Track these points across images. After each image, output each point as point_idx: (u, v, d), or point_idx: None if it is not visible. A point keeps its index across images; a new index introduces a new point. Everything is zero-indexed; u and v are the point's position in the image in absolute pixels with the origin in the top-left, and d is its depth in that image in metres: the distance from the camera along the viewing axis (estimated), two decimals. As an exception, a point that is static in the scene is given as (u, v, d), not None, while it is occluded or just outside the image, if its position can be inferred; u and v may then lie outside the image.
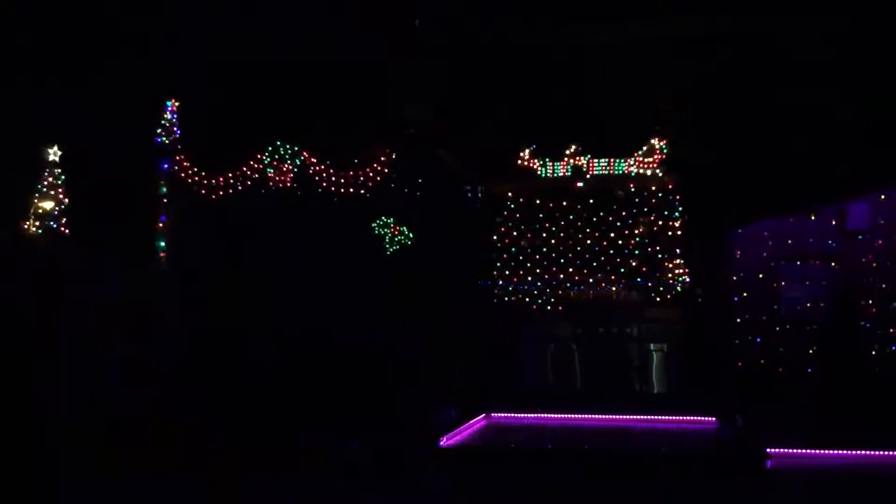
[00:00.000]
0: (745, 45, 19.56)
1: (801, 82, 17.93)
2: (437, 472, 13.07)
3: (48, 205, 14.73)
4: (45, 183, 14.85)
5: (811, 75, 18.00)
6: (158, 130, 16.48)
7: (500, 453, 13.95)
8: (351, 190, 16.30)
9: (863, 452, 13.01)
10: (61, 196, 14.86)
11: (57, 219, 14.73)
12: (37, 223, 14.64)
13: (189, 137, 16.84)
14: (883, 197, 15.47)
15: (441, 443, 14.09)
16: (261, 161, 16.32)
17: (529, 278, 18.22)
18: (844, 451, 12.99)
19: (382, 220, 16.77)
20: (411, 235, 16.54)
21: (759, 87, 18.32)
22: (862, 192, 15.40)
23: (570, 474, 12.65)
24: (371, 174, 16.18)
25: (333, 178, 16.41)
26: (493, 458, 13.70)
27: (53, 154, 14.99)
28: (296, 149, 16.32)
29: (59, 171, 14.95)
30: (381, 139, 16.80)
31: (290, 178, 16.26)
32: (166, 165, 16.42)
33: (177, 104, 16.71)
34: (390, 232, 16.98)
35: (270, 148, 16.30)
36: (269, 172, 16.20)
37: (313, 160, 16.31)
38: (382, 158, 16.12)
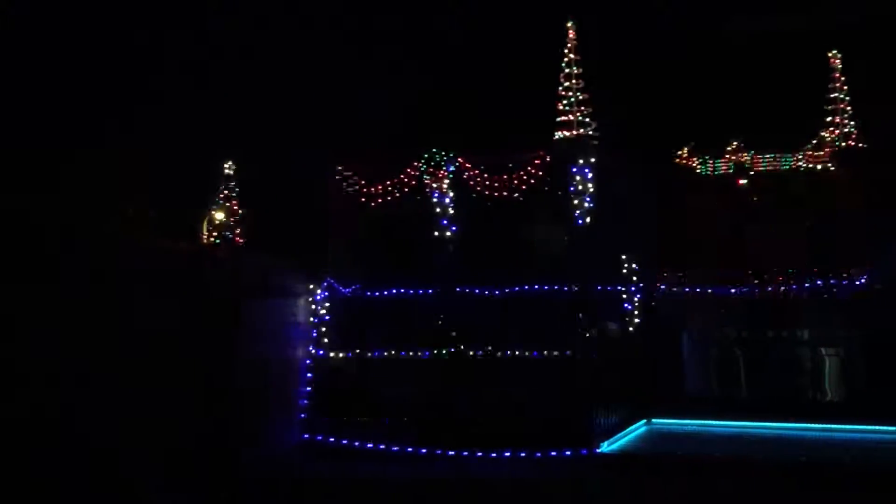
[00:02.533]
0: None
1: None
2: (599, 476, 12.92)
3: (221, 216, 15.62)
4: (221, 195, 15.79)
5: None
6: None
7: (663, 461, 13.60)
8: (505, 194, 16.35)
9: None
10: (235, 207, 15.76)
11: (232, 229, 15.63)
12: (213, 234, 15.58)
13: (351, 149, 17.43)
14: None
15: (602, 448, 13.91)
16: (417, 168, 16.66)
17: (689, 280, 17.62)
18: None
19: (537, 224, 16.72)
20: (566, 238, 16.38)
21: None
22: None
23: (739, 485, 12.15)
24: (525, 177, 16.17)
25: (487, 182, 16.51)
26: (655, 466, 13.38)
27: (229, 168, 15.90)
28: (451, 155, 16.55)
29: (234, 183, 15.85)
30: (535, 143, 16.77)
31: (446, 183, 16.50)
32: (331, 177, 17.03)
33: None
34: (544, 235, 16.89)
35: (426, 155, 16.61)
36: (426, 179, 16.51)
37: (468, 165, 16.48)
38: (537, 162, 16.06)
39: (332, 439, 15.13)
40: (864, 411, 15.54)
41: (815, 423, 15.69)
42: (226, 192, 15.74)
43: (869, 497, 11.35)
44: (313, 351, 16.10)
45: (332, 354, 16.13)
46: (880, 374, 15.88)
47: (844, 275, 16.49)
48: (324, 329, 16.39)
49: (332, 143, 17.39)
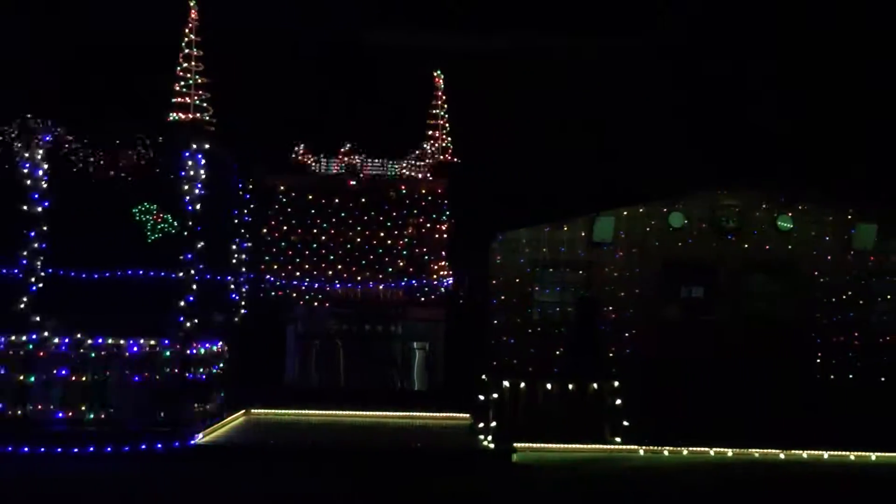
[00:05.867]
0: (517, 63, 20.82)
1: (557, 105, 19.43)
2: (192, 469, 12.68)
3: None
4: None
5: (567, 99, 19.56)
6: None
7: (258, 450, 13.77)
8: (111, 173, 15.37)
9: (602, 446, 14.29)
10: None
11: None
12: None
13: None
14: (626, 213, 17.01)
15: (195, 439, 13.68)
16: (7, 133, 14.94)
17: (297, 274, 18.12)
18: (587, 445, 14.21)
19: (144, 207, 15.97)
20: (175, 224, 15.88)
21: (522, 105, 19.60)
22: (606, 207, 16.86)
23: (329, 470, 12.77)
24: (135, 157, 15.34)
25: (92, 159, 15.37)
26: (250, 456, 13.49)
27: None
28: (48, 123, 15.10)
29: None
30: (148, 123, 16.02)
31: (40, 153, 14.99)
32: None
33: None
34: (152, 219, 16.21)
35: (19, 121, 14.97)
36: (17, 146, 14.86)
37: (69, 137, 15.19)
38: (148, 142, 15.33)
39: None
40: (445, 401, 17.29)
41: (403, 410, 17.04)
42: None
43: (438, 476, 12.61)
44: None
45: None
46: (459, 368, 17.77)
47: (434, 276, 18.21)
48: None
49: None
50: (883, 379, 15.99)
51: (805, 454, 14.03)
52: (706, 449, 14.12)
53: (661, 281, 17.04)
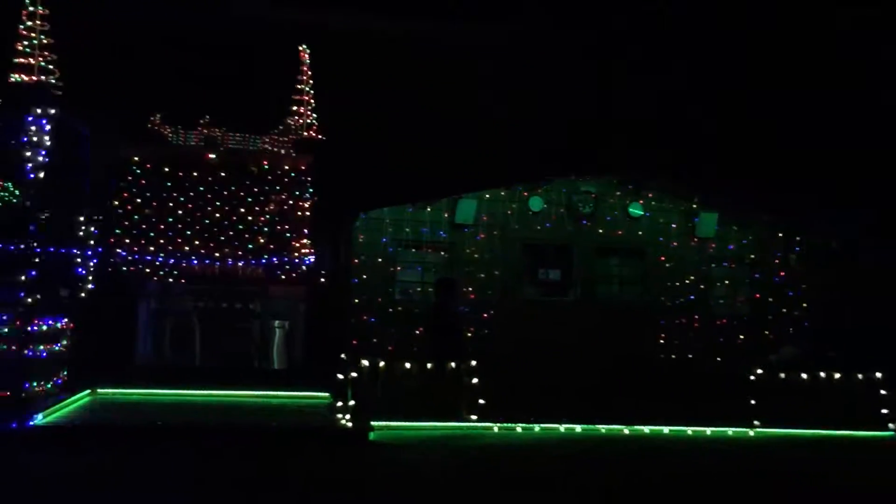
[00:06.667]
0: (385, 44, 20.75)
1: (426, 87, 19.53)
2: (30, 451, 12.04)
3: None
4: None
5: (436, 82, 19.70)
6: None
7: (102, 431, 13.22)
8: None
9: (459, 424, 14.55)
10: None
11: None
12: None
13: None
14: (488, 196, 17.34)
15: (35, 420, 12.99)
16: None
17: (151, 248, 17.44)
18: (444, 423, 14.43)
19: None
20: (17, 193, 14.90)
21: (390, 86, 19.59)
22: (469, 189, 17.14)
23: (180, 451, 12.42)
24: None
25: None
26: (93, 436, 12.95)
27: None
28: None
29: None
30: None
31: None
32: None
33: None
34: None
35: None
36: None
37: None
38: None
39: None
40: (305, 380, 17.14)
41: (261, 389, 16.77)
42: None
43: (294, 455, 12.54)
44: None
45: None
46: (319, 347, 17.65)
47: (296, 254, 17.98)
48: None
49: None
50: (718, 359, 17.13)
51: (647, 429, 14.79)
52: (556, 425, 14.66)
53: (520, 263, 17.50)
